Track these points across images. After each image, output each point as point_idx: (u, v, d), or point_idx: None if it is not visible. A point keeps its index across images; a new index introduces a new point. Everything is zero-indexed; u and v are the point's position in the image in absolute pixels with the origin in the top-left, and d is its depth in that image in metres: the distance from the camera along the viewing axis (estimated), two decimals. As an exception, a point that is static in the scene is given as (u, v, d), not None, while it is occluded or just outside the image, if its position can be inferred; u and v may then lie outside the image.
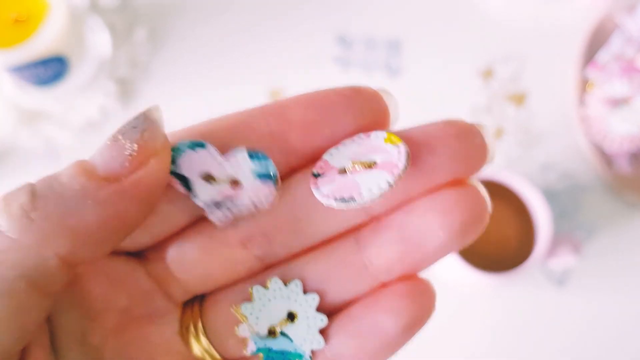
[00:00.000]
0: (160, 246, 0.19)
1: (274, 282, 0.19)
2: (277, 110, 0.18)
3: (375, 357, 0.18)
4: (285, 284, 0.19)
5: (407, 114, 0.20)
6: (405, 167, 0.17)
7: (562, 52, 0.55)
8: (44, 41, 0.46)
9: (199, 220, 0.19)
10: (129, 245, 0.19)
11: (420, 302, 0.18)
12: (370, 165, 0.17)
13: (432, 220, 0.17)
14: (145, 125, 0.16)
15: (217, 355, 0.19)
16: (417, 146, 0.17)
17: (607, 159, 0.52)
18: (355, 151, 0.18)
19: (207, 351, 0.19)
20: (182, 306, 0.20)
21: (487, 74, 0.55)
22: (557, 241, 0.47)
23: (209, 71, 0.56)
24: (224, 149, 0.18)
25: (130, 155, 0.16)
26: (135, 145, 0.16)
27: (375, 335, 0.17)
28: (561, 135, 0.53)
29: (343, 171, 0.18)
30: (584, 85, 0.53)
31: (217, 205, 0.18)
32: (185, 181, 0.18)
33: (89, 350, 0.18)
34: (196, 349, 0.19)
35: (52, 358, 0.18)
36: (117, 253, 0.19)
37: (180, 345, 0.19)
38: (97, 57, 0.53)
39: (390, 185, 0.17)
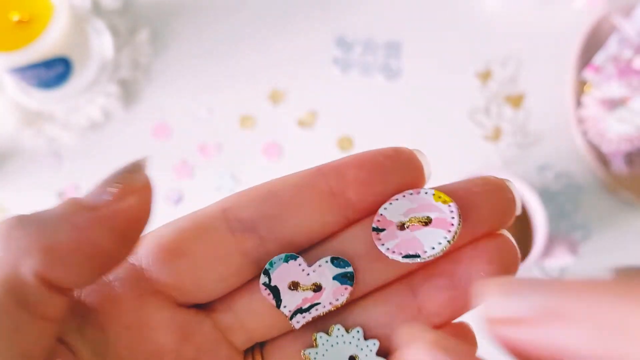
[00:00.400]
0: (229, 297, 0.21)
1: (337, 329, 0.20)
2: (334, 171, 0.20)
3: None
4: (348, 331, 0.20)
5: (406, 115, 0.21)
6: (459, 225, 0.19)
7: (559, 54, 0.55)
8: (47, 43, 0.46)
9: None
10: (200, 297, 0.20)
11: (468, 341, 0.20)
12: (426, 222, 0.20)
13: (480, 269, 0.19)
14: (130, 168, 0.18)
15: None
16: (460, 201, 0.20)
17: (604, 159, 0.53)
18: (408, 207, 0.20)
19: None
20: (244, 353, 0.21)
21: (486, 75, 0.56)
22: (554, 241, 0.47)
23: (210, 72, 0.56)
24: (293, 209, 0.20)
25: (112, 191, 0.18)
26: (119, 184, 0.18)
27: None
28: (558, 136, 0.54)
29: (401, 226, 0.20)
30: (582, 86, 0.54)
31: (299, 310, 0.21)
32: (275, 291, 0.20)
33: None
34: None
35: None
36: (186, 305, 0.20)
37: None
38: (100, 58, 0.54)
39: (449, 242, 0.19)
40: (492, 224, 0.20)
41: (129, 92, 0.55)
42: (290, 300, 0.20)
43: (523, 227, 0.48)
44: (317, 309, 0.21)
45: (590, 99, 0.52)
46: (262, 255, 0.20)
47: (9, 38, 0.46)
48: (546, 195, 0.52)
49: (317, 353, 0.20)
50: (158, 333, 0.20)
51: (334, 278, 0.20)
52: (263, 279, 0.20)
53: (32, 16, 0.47)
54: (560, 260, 0.47)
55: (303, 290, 0.21)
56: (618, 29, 0.53)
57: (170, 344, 0.20)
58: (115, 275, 0.20)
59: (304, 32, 0.57)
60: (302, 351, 0.20)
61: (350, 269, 0.20)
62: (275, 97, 0.56)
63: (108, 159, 0.54)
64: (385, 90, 0.55)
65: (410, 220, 0.20)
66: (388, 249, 0.20)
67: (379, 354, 0.20)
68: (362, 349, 0.20)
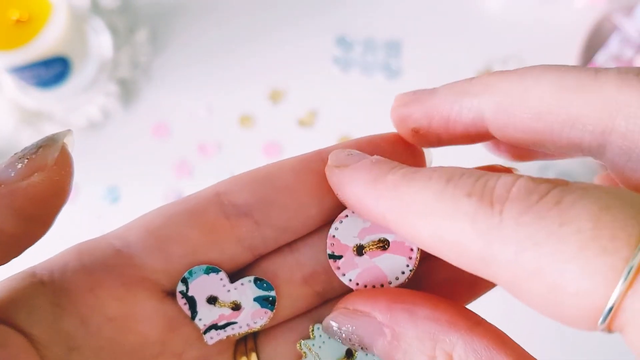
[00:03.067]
0: None
1: None
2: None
3: None
4: None
5: None
6: (419, 250, 0.19)
7: (560, 53, 0.55)
8: (46, 42, 0.46)
9: (260, 259, 0.20)
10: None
11: None
12: (384, 246, 0.19)
13: None
14: (43, 143, 0.17)
15: None
16: None
17: (605, 159, 0.52)
18: (361, 226, 0.19)
19: None
20: (236, 342, 0.21)
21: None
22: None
23: (210, 71, 0.56)
24: (290, 193, 0.19)
25: (17, 167, 0.17)
26: (25, 160, 0.17)
27: None
28: (559, 135, 0.54)
29: (358, 251, 0.19)
30: (582, 86, 0.54)
31: (214, 326, 0.20)
32: (192, 302, 0.20)
33: None
34: None
35: None
36: (173, 296, 0.20)
37: None
38: (99, 58, 0.54)
39: (412, 271, 0.19)
40: None
41: (128, 92, 0.55)
42: (207, 314, 0.20)
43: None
44: (232, 328, 0.20)
45: (591, 98, 0.52)
46: (257, 241, 0.19)
47: (8, 37, 0.46)
48: (547, 195, 0.52)
49: (313, 345, 0.20)
50: (143, 324, 0.19)
51: (255, 299, 0.20)
52: (180, 286, 0.19)
53: (30, 15, 0.47)
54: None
55: (221, 306, 0.20)
56: (619, 28, 0.53)
57: (156, 336, 0.19)
58: (98, 263, 0.19)
59: (304, 32, 0.57)
60: (298, 342, 0.20)
61: (272, 293, 0.20)
62: (275, 97, 0.56)
63: (107, 159, 0.54)
64: (385, 90, 0.55)
65: (368, 246, 0.19)
66: (350, 280, 0.19)
67: None
68: None
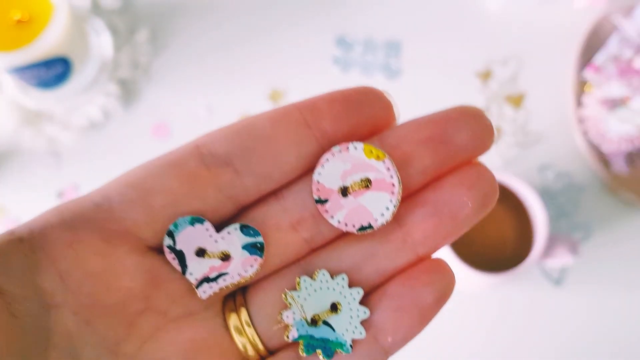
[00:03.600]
0: None
1: (322, 274, 0.20)
2: (309, 105, 0.20)
3: (413, 329, 0.20)
4: (332, 277, 0.20)
5: (407, 114, 0.21)
6: (400, 183, 0.19)
7: (560, 54, 0.55)
8: (47, 43, 0.46)
9: (247, 209, 0.20)
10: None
11: (447, 275, 0.20)
12: (367, 185, 0.20)
13: (462, 194, 0.19)
14: None
15: (260, 346, 0.20)
16: (442, 127, 0.20)
17: (604, 159, 0.53)
18: (342, 168, 0.20)
19: (250, 342, 0.20)
20: (224, 299, 0.21)
21: (486, 75, 0.56)
22: (555, 241, 0.47)
23: (210, 72, 0.56)
24: (269, 141, 0.20)
25: None
26: None
27: (415, 308, 0.19)
28: (559, 135, 0.54)
29: (343, 192, 0.20)
30: (582, 86, 0.54)
31: (206, 279, 0.20)
32: (180, 256, 0.20)
33: None
34: (238, 340, 0.20)
35: None
36: (158, 249, 0.20)
37: (221, 339, 0.20)
38: (99, 58, 0.54)
39: (395, 206, 0.20)
40: (471, 151, 0.20)
41: (128, 92, 0.55)
42: (197, 268, 0.20)
43: (523, 227, 0.48)
44: (224, 279, 0.20)
45: (591, 98, 0.52)
46: (239, 191, 0.20)
47: (9, 38, 0.46)
48: (546, 195, 0.52)
49: (299, 296, 0.20)
50: (125, 279, 0.19)
51: (243, 247, 0.20)
52: (167, 240, 0.19)
53: (31, 16, 0.47)
54: (560, 260, 0.47)
55: (210, 257, 0.20)
56: (618, 28, 0.53)
57: (138, 291, 0.19)
58: (78, 219, 0.19)
59: (304, 32, 0.57)
60: (284, 293, 0.20)
61: (260, 239, 0.20)
62: (275, 97, 0.56)
63: (108, 159, 0.54)
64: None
65: (351, 187, 0.20)
66: (339, 221, 0.20)
67: (363, 284, 0.20)
68: (345, 297, 0.20)
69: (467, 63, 0.56)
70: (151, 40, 0.56)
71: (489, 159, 0.54)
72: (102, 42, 0.54)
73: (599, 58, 0.53)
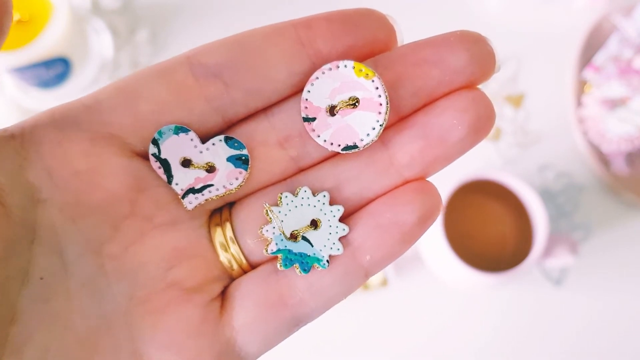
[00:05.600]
0: None
1: (303, 191, 0.20)
2: (304, 23, 0.19)
3: (393, 248, 0.19)
4: (314, 194, 0.20)
5: None
6: (388, 104, 0.19)
7: (559, 54, 0.55)
8: (47, 43, 0.46)
9: (235, 124, 0.20)
10: None
11: (432, 197, 0.19)
12: (354, 104, 0.19)
13: (452, 117, 0.19)
14: None
15: (244, 261, 0.20)
16: (438, 50, 0.19)
17: (604, 159, 0.53)
18: (331, 86, 0.19)
19: (235, 258, 0.20)
20: (210, 213, 0.21)
21: (486, 75, 0.56)
22: (555, 241, 0.47)
23: (210, 72, 0.56)
24: (260, 56, 0.19)
25: None
26: None
27: (395, 227, 0.19)
28: (559, 135, 0.54)
29: (331, 111, 0.20)
30: (582, 86, 0.54)
31: (192, 190, 0.20)
32: (166, 165, 0.20)
33: (105, 262, 0.19)
34: (224, 256, 0.20)
35: (61, 268, 0.18)
36: (144, 156, 0.20)
37: (204, 250, 0.20)
38: (99, 58, 0.54)
39: (382, 126, 0.19)
40: (469, 76, 0.19)
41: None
42: (182, 178, 0.20)
43: (523, 227, 0.48)
44: (210, 191, 0.20)
45: (591, 99, 0.52)
46: (227, 104, 0.19)
47: (9, 38, 0.46)
48: (546, 195, 0.52)
49: (279, 212, 0.20)
50: (109, 180, 0.19)
51: (228, 159, 0.20)
52: (152, 149, 0.19)
53: (31, 16, 0.47)
54: (560, 260, 0.47)
55: (195, 168, 0.20)
56: (618, 28, 0.53)
57: (123, 193, 0.19)
58: (68, 119, 0.19)
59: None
60: (265, 207, 0.20)
61: (245, 152, 0.20)
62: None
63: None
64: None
65: (339, 105, 0.20)
66: (325, 140, 0.20)
67: (347, 205, 0.20)
68: (325, 214, 0.20)
69: (467, 63, 0.56)
70: (151, 40, 0.56)
71: (489, 159, 0.54)
72: (102, 42, 0.54)
73: (599, 58, 0.53)
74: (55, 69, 0.49)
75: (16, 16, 0.47)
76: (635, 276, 0.52)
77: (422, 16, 0.57)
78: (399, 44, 0.20)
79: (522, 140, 0.54)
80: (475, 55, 0.19)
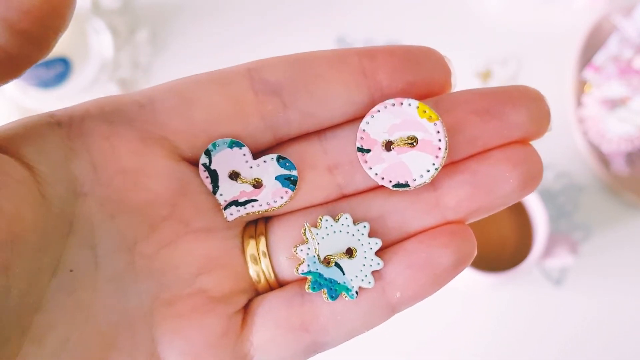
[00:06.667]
0: None
1: (344, 218, 0.20)
2: (368, 53, 0.19)
3: (423, 288, 0.19)
4: (355, 223, 0.20)
5: None
6: (447, 149, 0.19)
7: (559, 54, 0.55)
8: (47, 43, 0.46)
9: (287, 143, 0.20)
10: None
11: (469, 242, 0.19)
12: (412, 143, 0.20)
13: (505, 169, 0.19)
14: None
15: (272, 277, 0.20)
16: (501, 102, 0.19)
17: (604, 159, 0.53)
18: (392, 122, 0.20)
19: (263, 272, 0.20)
20: (245, 224, 0.21)
21: (486, 75, 0.56)
22: (555, 241, 0.47)
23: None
24: (322, 80, 0.19)
25: None
26: None
27: (429, 267, 0.19)
28: (559, 135, 0.54)
29: (387, 146, 0.20)
30: (582, 86, 0.54)
31: (235, 202, 0.20)
32: (214, 176, 0.20)
33: (138, 260, 0.19)
34: (253, 269, 0.20)
35: (91, 262, 0.18)
36: (192, 162, 0.20)
37: (235, 260, 0.20)
38: (100, 58, 0.54)
39: (437, 170, 0.19)
40: (525, 132, 0.19)
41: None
42: (228, 190, 0.20)
43: (523, 227, 0.48)
44: (252, 206, 0.20)
45: (591, 99, 0.52)
46: (281, 122, 0.19)
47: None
48: (546, 195, 0.52)
49: (317, 234, 0.20)
50: (155, 181, 0.19)
51: (277, 178, 0.20)
52: (203, 159, 0.19)
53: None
54: (560, 260, 0.47)
55: (242, 182, 0.20)
56: (618, 28, 0.53)
57: (166, 196, 0.19)
58: (119, 114, 0.19)
59: (304, 32, 0.57)
60: (303, 228, 0.20)
61: (294, 173, 0.20)
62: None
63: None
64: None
65: (396, 142, 0.20)
66: (376, 174, 0.20)
67: (387, 237, 0.20)
68: (362, 244, 0.20)
69: (467, 63, 0.56)
70: (151, 40, 0.56)
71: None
72: (102, 42, 0.54)
73: (599, 58, 0.53)
74: (55, 69, 0.49)
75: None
76: (635, 276, 0.52)
77: (423, 16, 0.57)
78: (454, 86, 0.20)
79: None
80: (534, 113, 0.19)
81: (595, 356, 0.50)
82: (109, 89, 0.54)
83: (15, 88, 0.53)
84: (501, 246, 0.49)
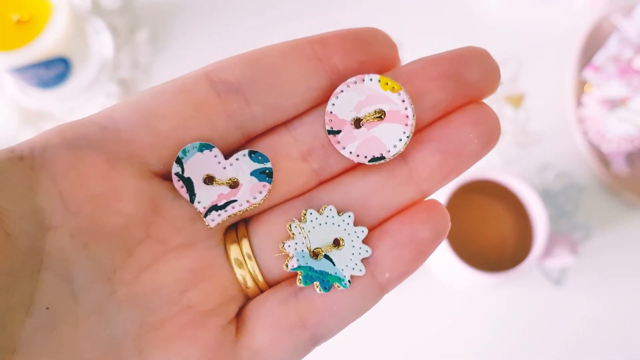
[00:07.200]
0: None
1: (329, 210, 0.20)
2: (319, 40, 0.20)
3: (409, 265, 0.20)
4: (339, 214, 0.20)
5: None
6: (414, 116, 0.19)
7: (559, 54, 0.55)
8: (47, 43, 0.46)
9: (256, 138, 0.20)
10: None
11: (442, 214, 0.20)
12: (380, 116, 0.20)
13: (468, 130, 0.19)
14: None
15: (260, 278, 0.20)
16: (454, 64, 0.20)
17: (604, 159, 0.53)
18: (357, 100, 0.20)
19: (251, 274, 0.20)
20: (225, 230, 0.21)
21: (486, 75, 0.55)
22: (555, 241, 0.47)
23: (210, 72, 0.56)
24: (279, 72, 0.19)
25: None
26: None
27: (412, 244, 0.19)
28: (559, 136, 0.54)
29: (356, 124, 0.20)
30: (582, 86, 0.54)
31: (214, 207, 0.20)
32: (189, 184, 0.19)
33: (118, 288, 0.18)
34: (239, 273, 0.20)
35: (69, 297, 0.18)
36: (163, 175, 0.19)
37: (220, 270, 0.20)
38: (100, 58, 0.54)
39: (408, 137, 0.20)
40: (480, 90, 0.20)
41: (128, 92, 0.55)
42: (205, 196, 0.19)
43: (523, 227, 0.48)
44: (233, 207, 0.20)
45: (591, 99, 0.52)
46: (247, 119, 0.19)
47: (9, 38, 0.46)
48: (546, 195, 0.52)
49: (303, 228, 0.20)
50: (126, 203, 0.18)
51: (252, 174, 0.20)
52: (175, 168, 0.19)
53: (31, 16, 0.47)
54: (560, 260, 0.47)
55: (219, 184, 0.20)
56: (618, 28, 0.53)
57: (139, 215, 0.19)
58: (82, 139, 0.18)
59: (304, 32, 0.57)
60: (289, 224, 0.20)
61: (269, 165, 0.20)
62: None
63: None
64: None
65: (365, 118, 0.20)
66: (351, 152, 0.20)
67: (366, 222, 0.20)
68: (349, 234, 0.20)
69: (467, 63, 0.56)
70: (151, 40, 0.56)
71: (489, 159, 0.54)
72: (102, 42, 0.54)
73: (599, 58, 0.53)
74: (55, 69, 0.49)
75: (16, 16, 0.46)
76: (635, 276, 0.52)
77: (423, 16, 0.57)
78: (401, 61, 0.21)
79: (522, 140, 0.54)
80: (486, 70, 0.20)
81: (595, 356, 0.50)
82: (109, 89, 0.54)
83: (15, 88, 0.53)
84: (501, 246, 0.49)
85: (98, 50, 0.54)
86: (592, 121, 0.52)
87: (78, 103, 0.53)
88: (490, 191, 0.49)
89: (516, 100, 0.55)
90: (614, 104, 0.51)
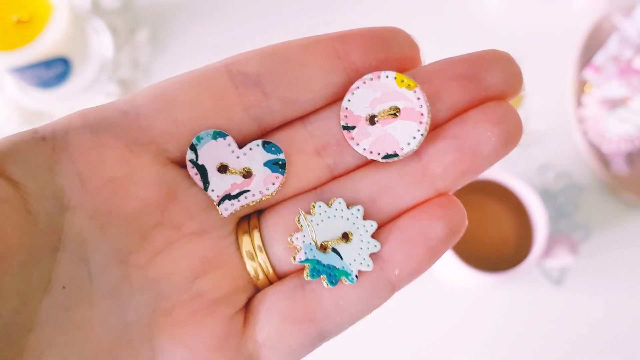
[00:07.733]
0: None
1: (338, 203, 0.20)
2: (339, 37, 0.20)
3: (421, 263, 0.19)
4: (348, 207, 0.20)
5: None
6: (429, 114, 0.19)
7: (559, 54, 0.55)
8: (47, 43, 0.46)
9: (272, 131, 0.20)
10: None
11: (458, 211, 0.19)
12: (395, 113, 0.20)
13: (485, 128, 0.19)
14: None
15: (270, 271, 0.20)
16: (475, 66, 0.20)
17: (604, 159, 0.53)
18: (372, 96, 0.20)
19: (261, 267, 0.20)
20: (238, 220, 0.21)
21: (486, 75, 0.55)
22: (555, 241, 0.47)
23: (210, 72, 0.56)
24: (298, 66, 0.20)
25: None
26: None
27: (424, 241, 0.19)
28: (559, 135, 0.54)
29: (371, 120, 0.20)
30: (582, 86, 0.54)
31: (228, 196, 0.20)
32: (203, 171, 0.20)
33: (132, 271, 0.19)
34: (250, 265, 0.20)
35: (85, 278, 0.18)
36: (180, 164, 0.20)
37: (231, 258, 0.20)
38: (100, 58, 0.54)
39: (423, 135, 0.19)
40: (500, 93, 0.20)
41: (128, 92, 0.55)
42: (219, 185, 0.20)
43: (523, 227, 0.48)
44: (246, 197, 0.20)
45: (591, 99, 0.52)
46: (264, 112, 0.20)
47: (9, 38, 0.46)
48: (546, 195, 0.52)
49: (311, 221, 0.20)
50: (143, 188, 0.19)
51: (265, 164, 0.20)
52: (190, 155, 0.19)
53: (31, 16, 0.47)
54: (560, 260, 0.47)
55: (232, 173, 0.20)
56: (618, 28, 0.53)
57: (155, 202, 0.19)
58: (103, 123, 0.19)
59: (304, 32, 0.57)
60: (297, 216, 0.20)
61: (282, 156, 0.20)
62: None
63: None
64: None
65: (379, 114, 0.20)
66: (364, 149, 0.20)
67: (378, 217, 0.20)
68: (357, 228, 0.20)
69: (467, 63, 0.56)
70: (151, 40, 0.56)
71: (489, 159, 0.54)
72: (102, 42, 0.54)
73: (599, 58, 0.53)
74: (55, 69, 0.49)
75: (16, 16, 0.46)
76: (635, 276, 0.52)
77: (423, 16, 0.57)
78: (422, 61, 0.21)
79: (522, 140, 0.54)
80: (508, 73, 0.20)
81: (595, 356, 0.50)
82: (109, 89, 0.54)
83: (15, 88, 0.53)
84: (501, 246, 0.49)
85: (98, 50, 0.54)
86: (592, 121, 0.52)
87: (78, 103, 0.53)
88: (490, 191, 0.49)
89: (516, 100, 0.55)
90: (614, 104, 0.51)
